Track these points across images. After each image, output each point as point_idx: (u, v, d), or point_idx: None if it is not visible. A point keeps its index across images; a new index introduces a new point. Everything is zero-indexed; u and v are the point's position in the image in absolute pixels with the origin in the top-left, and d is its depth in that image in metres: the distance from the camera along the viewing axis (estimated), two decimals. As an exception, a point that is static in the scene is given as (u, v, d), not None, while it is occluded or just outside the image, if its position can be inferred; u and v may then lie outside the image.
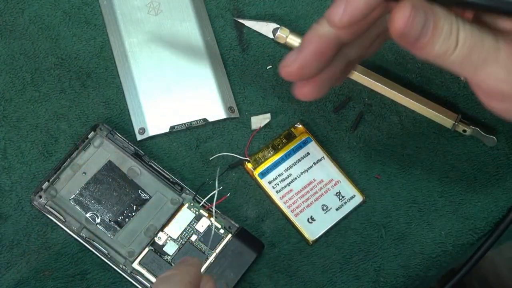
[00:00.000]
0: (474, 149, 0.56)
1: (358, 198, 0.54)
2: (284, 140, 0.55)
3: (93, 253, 0.50)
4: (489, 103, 0.39)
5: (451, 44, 0.36)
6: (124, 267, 0.50)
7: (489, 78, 0.37)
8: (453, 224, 0.54)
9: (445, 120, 0.55)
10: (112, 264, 0.50)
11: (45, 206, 0.51)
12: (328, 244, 0.53)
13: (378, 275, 0.53)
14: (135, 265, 0.50)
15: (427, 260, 0.53)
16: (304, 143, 0.54)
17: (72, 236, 0.51)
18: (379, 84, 0.55)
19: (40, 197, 0.51)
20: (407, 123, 0.56)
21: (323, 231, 0.53)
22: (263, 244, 0.51)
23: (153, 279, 0.50)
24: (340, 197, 0.54)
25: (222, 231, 0.52)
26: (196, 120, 0.54)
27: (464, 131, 0.55)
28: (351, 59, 0.42)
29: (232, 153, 0.54)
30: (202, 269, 0.50)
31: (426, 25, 0.35)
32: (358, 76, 0.55)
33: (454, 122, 0.55)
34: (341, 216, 0.53)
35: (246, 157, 0.54)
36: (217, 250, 0.51)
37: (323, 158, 0.54)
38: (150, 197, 0.52)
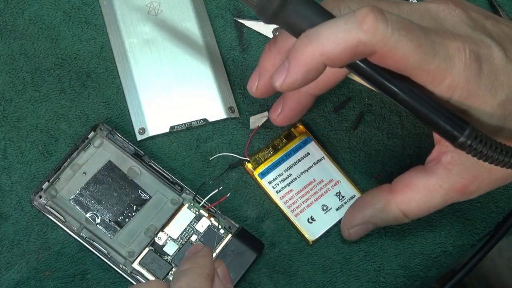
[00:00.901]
0: (474, 149, 0.56)
1: (358, 198, 0.54)
2: (284, 140, 0.55)
3: (93, 253, 0.50)
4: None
5: None
6: (124, 267, 0.50)
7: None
8: (453, 225, 0.54)
9: (445, 120, 0.55)
10: (112, 264, 0.50)
11: (45, 206, 0.51)
12: (328, 244, 0.53)
13: (378, 275, 0.53)
14: (135, 265, 0.50)
15: (427, 261, 0.53)
16: (304, 143, 0.54)
17: (72, 236, 0.51)
18: (379, 84, 0.55)
19: (40, 197, 0.51)
20: (407, 123, 0.56)
21: (323, 231, 0.53)
22: (263, 244, 0.51)
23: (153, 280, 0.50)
24: (340, 197, 0.54)
25: (222, 231, 0.52)
26: (196, 120, 0.54)
27: (464, 131, 0.55)
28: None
29: (232, 153, 0.54)
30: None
31: None
32: (358, 76, 0.55)
33: (454, 122, 0.54)
34: (341, 216, 0.53)
35: (246, 157, 0.54)
36: (217, 250, 0.51)
37: (323, 158, 0.54)
38: (150, 197, 0.52)
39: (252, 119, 0.55)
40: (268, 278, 0.52)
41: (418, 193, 0.45)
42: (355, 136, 0.56)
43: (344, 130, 0.56)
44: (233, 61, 0.57)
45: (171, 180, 0.52)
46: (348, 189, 0.54)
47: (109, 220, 0.51)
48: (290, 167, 0.54)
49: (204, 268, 0.40)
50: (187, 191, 0.52)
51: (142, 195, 0.52)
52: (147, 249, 0.51)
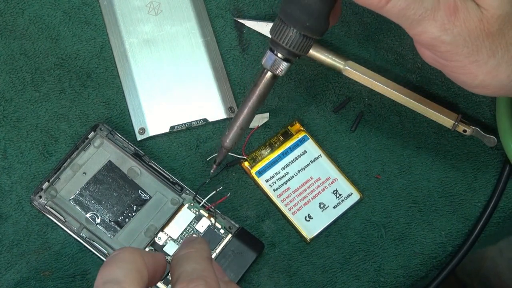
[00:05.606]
0: (474, 149, 0.56)
1: (356, 196, 0.54)
2: (281, 138, 0.55)
3: (93, 253, 0.50)
4: (421, 51, 0.43)
5: None
6: (124, 267, 0.50)
7: (423, 34, 0.40)
8: (453, 224, 0.54)
9: (445, 120, 0.55)
10: (112, 264, 0.50)
11: (45, 206, 0.51)
12: (328, 244, 0.53)
13: (378, 275, 0.53)
14: (135, 265, 0.50)
15: (427, 260, 0.53)
16: (301, 141, 0.54)
17: (72, 236, 0.51)
18: (379, 84, 0.55)
19: (40, 197, 0.51)
20: (407, 123, 0.56)
21: (321, 229, 0.53)
22: (263, 244, 0.51)
23: (153, 279, 0.50)
24: (337, 195, 0.54)
25: (222, 231, 0.52)
26: (196, 120, 0.54)
27: (464, 131, 0.55)
28: None
29: (232, 153, 0.54)
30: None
31: None
32: (358, 76, 0.55)
33: (454, 122, 0.54)
34: (339, 214, 0.53)
35: (243, 155, 0.54)
36: (217, 250, 0.51)
37: (320, 156, 0.54)
38: (150, 197, 0.52)
39: (252, 119, 0.55)
40: (268, 278, 0.52)
41: None
42: (355, 136, 0.56)
43: (344, 130, 0.56)
44: (233, 61, 0.57)
45: (171, 180, 0.52)
46: (345, 187, 0.54)
47: (109, 220, 0.51)
48: (287, 165, 0.54)
49: (203, 251, 0.40)
50: (187, 191, 0.52)
51: (142, 195, 0.52)
52: (147, 249, 0.51)
